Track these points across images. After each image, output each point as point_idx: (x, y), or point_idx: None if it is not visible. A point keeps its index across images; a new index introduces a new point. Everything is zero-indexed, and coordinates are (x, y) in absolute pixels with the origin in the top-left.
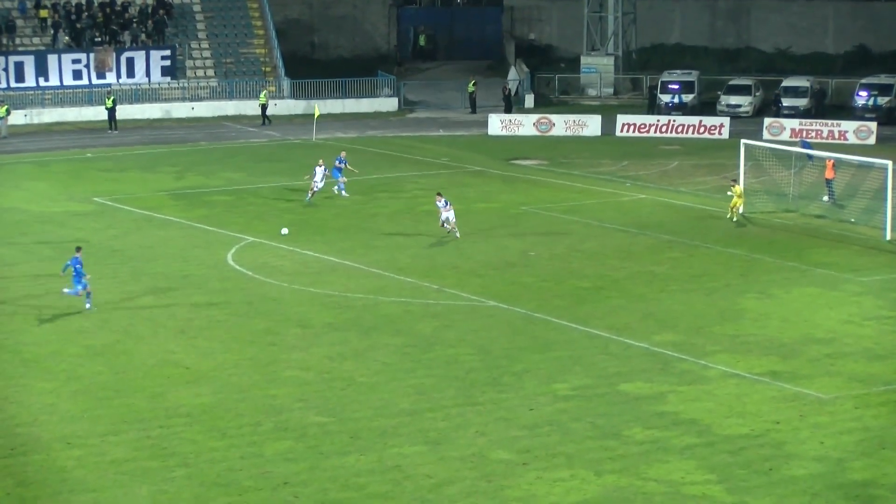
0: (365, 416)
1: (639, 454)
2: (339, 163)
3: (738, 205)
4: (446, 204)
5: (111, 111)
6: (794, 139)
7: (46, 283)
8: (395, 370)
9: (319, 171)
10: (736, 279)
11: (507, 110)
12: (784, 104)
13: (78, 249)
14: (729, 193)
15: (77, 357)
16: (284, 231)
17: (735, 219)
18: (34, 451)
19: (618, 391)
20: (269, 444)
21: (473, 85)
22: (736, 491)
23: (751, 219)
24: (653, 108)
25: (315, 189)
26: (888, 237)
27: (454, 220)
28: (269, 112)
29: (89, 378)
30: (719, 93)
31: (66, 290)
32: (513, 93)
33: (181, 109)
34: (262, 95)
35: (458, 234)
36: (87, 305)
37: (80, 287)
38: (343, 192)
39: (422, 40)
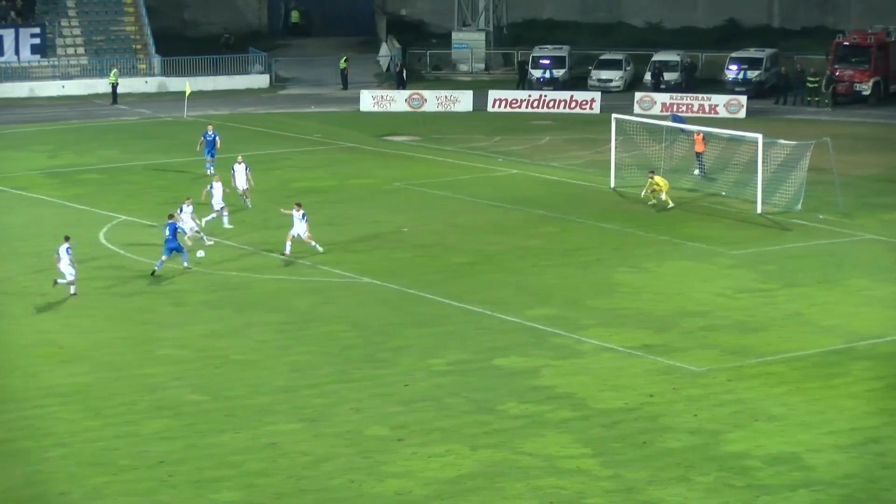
0: (241, 394)
1: (514, 428)
2: (209, 137)
3: (659, 191)
4: (303, 217)
5: None
6: (665, 113)
7: None
8: (271, 347)
9: (239, 168)
10: (609, 253)
11: (400, 86)
12: (665, 78)
13: (175, 213)
14: (651, 182)
15: None
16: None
17: (654, 202)
18: None
19: (493, 366)
20: (145, 422)
21: (345, 61)
22: (611, 464)
23: (623, 193)
24: (523, 83)
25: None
26: (759, 210)
27: (307, 233)
28: (141, 90)
29: None
30: (590, 68)
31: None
32: (405, 69)
33: (51, 88)
34: (111, 75)
35: (320, 248)
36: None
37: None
38: (211, 170)
39: (294, 16)
